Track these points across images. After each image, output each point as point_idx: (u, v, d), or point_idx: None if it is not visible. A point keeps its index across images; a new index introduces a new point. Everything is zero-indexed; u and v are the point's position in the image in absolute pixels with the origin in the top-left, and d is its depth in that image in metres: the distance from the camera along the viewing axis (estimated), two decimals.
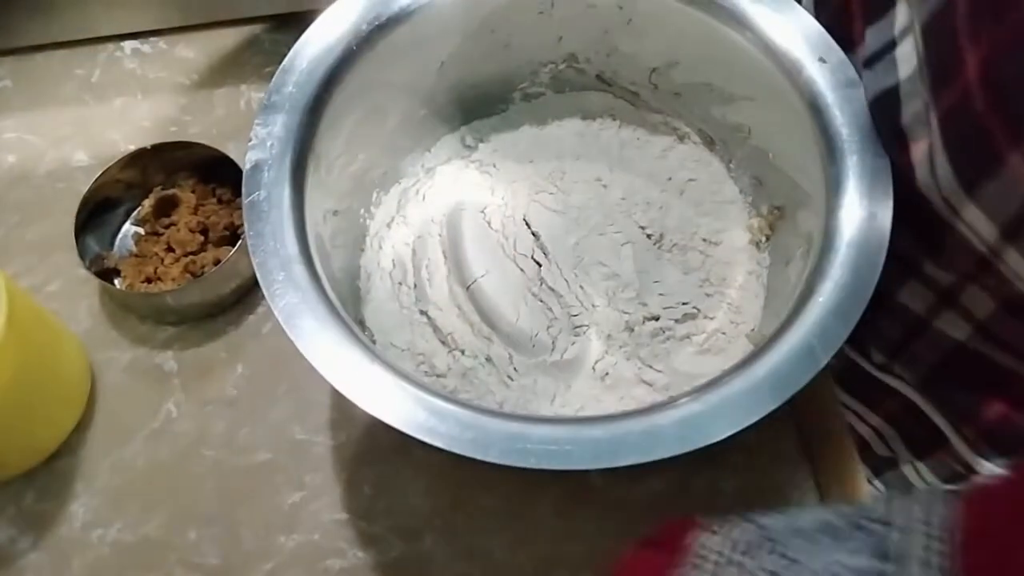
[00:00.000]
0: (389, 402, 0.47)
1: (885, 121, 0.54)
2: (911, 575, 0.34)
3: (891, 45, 0.53)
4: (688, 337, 0.63)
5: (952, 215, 0.49)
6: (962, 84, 0.45)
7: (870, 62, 0.55)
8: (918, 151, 0.51)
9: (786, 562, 0.37)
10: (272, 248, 0.52)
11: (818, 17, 0.59)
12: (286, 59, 0.58)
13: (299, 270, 0.51)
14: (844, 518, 0.38)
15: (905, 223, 0.52)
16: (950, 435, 0.62)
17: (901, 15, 0.52)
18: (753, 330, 0.62)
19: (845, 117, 0.55)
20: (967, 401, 0.60)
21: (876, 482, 0.72)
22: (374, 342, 0.64)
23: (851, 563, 0.36)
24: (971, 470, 0.63)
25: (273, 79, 0.57)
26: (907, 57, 0.51)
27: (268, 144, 0.55)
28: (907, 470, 0.69)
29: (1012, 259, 0.47)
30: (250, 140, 0.55)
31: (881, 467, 0.71)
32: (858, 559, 0.36)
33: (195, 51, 0.84)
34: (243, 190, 0.53)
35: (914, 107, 0.50)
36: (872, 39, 0.56)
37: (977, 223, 0.48)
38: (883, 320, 0.60)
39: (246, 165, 0.54)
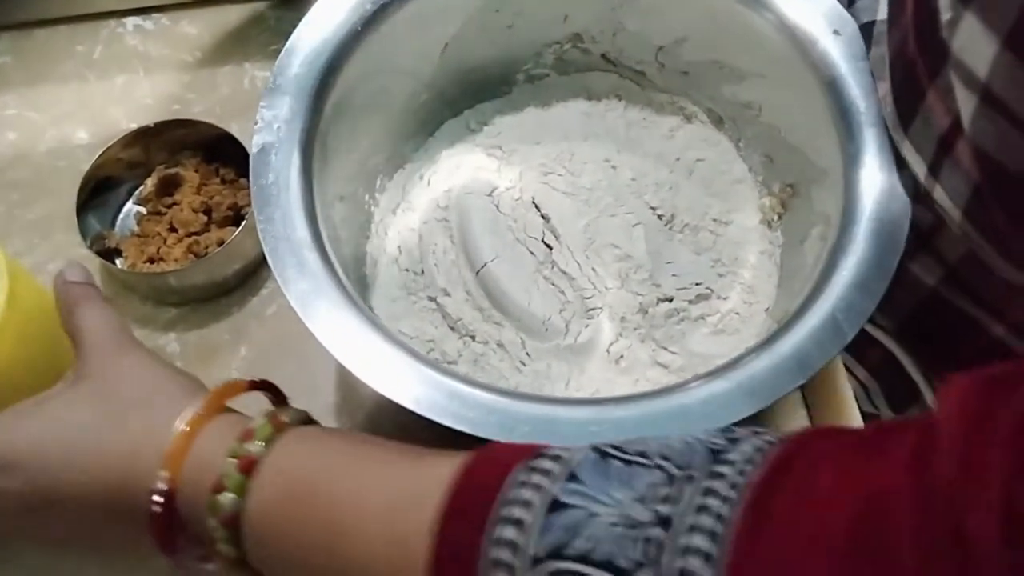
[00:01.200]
0: (409, 386, 0.47)
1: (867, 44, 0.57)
2: (743, 451, 0.35)
3: None
4: (702, 318, 0.62)
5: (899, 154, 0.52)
6: (903, 24, 0.48)
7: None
8: (881, 91, 0.53)
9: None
10: (283, 233, 0.51)
11: None
12: (290, 40, 0.57)
13: (311, 255, 0.51)
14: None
15: None
16: (924, 389, 0.63)
17: None
18: (767, 310, 0.62)
19: (861, 89, 0.54)
20: (938, 352, 0.61)
21: None
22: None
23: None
24: None
25: (277, 60, 0.56)
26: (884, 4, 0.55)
27: (275, 127, 0.54)
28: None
29: (939, 197, 0.49)
30: (256, 123, 0.54)
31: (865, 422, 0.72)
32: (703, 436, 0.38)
33: (198, 28, 0.82)
34: (251, 174, 0.52)
35: (880, 50, 0.53)
36: None
37: (913, 162, 0.50)
38: None
39: (253, 149, 0.53)
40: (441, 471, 0.39)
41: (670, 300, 0.62)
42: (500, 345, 0.61)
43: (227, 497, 0.43)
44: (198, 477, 0.44)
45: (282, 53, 0.56)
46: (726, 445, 0.36)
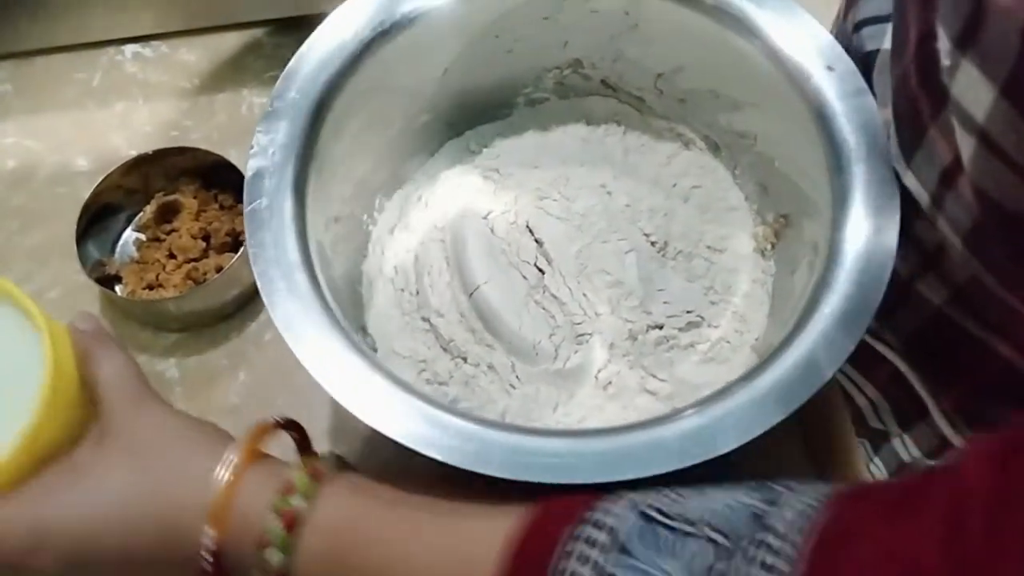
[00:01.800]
0: (388, 413, 0.47)
1: (869, 74, 0.57)
2: (785, 518, 0.37)
3: (885, 18, 0.57)
4: (692, 346, 0.62)
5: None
6: (906, 62, 0.48)
7: (859, 26, 0.59)
8: (883, 115, 0.54)
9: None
10: (273, 257, 0.51)
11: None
12: (289, 65, 0.58)
13: (300, 279, 0.51)
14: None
15: None
16: (931, 407, 0.63)
17: None
18: (757, 339, 0.62)
19: (852, 126, 0.54)
20: (944, 370, 0.61)
21: (873, 465, 0.72)
22: (376, 349, 0.63)
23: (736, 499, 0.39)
24: (947, 443, 0.63)
25: (276, 85, 0.57)
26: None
27: (270, 151, 0.55)
28: (896, 443, 0.69)
29: (942, 225, 0.49)
30: (251, 147, 0.55)
31: (876, 440, 0.72)
32: (744, 497, 0.39)
33: (196, 55, 0.83)
34: (244, 198, 0.53)
35: (883, 77, 0.54)
36: (866, 7, 0.60)
37: (915, 191, 0.50)
38: None
39: (247, 173, 0.54)
40: (489, 536, 0.40)
41: (660, 327, 0.62)
42: (491, 367, 0.61)
43: (274, 554, 0.44)
44: (243, 531, 0.45)
45: (280, 77, 0.57)
46: (767, 509, 0.37)
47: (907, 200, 0.54)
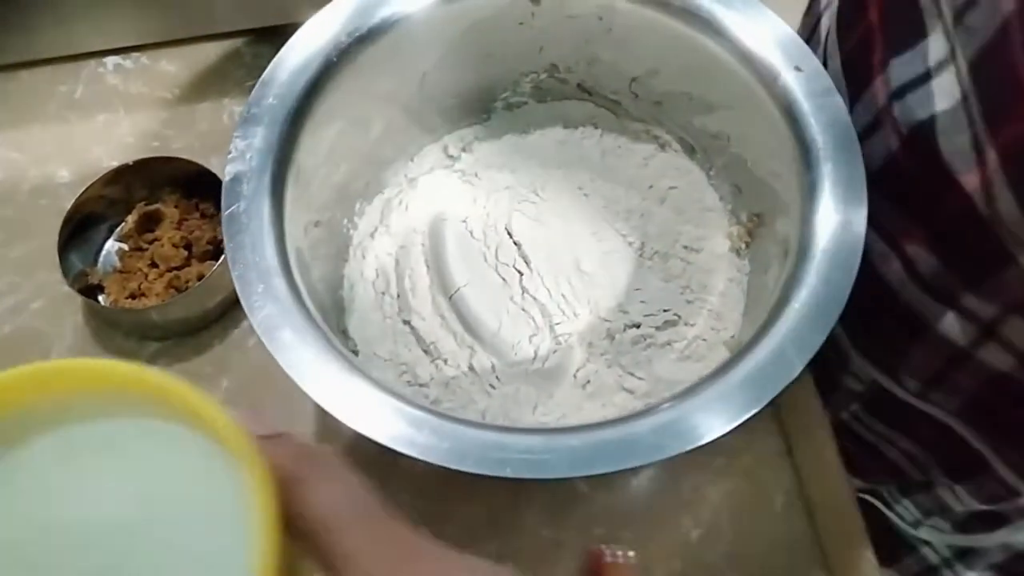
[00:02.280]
0: (366, 413, 0.48)
1: (921, 152, 0.52)
2: None
3: (925, 77, 0.51)
4: (669, 344, 0.63)
5: (1017, 246, 0.48)
6: None
7: (900, 93, 0.53)
8: (969, 183, 0.49)
9: None
10: (251, 260, 0.52)
11: (841, 48, 0.60)
12: (266, 71, 0.58)
13: (278, 282, 0.52)
14: None
15: (941, 257, 0.52)
16: (991, 459, 0.61)
17: (936, 48, 0.50)
18: (733, 337, 0.62)
19: (820, 125, 0.55)
20: (1010, 427, 0.59)
21: (901, 507, 0.72)
22: (357, 352, 0.64)
23: None
24: (1015, 493, 0.62)
25: (253, 91, 0.57)
26: (947, 90, 0.49)
27: (247, 156, 0.55)
28: (943, 492, 0.68)
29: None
30: (229, 152, 0.55)
31: (912, 490, 0.71)
32: None
33: (177, 66, 0.84)
34: (222, 202, 0.53)
35: (960, 140, 0.49)
36: (900, 70, 0.54)
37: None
38: (919, 350, 0.59)
39: (225, 177, 0.54)
40: None
41: (637, 326, 0.63)
42: (471, 369, 0.62)
43: None
44: None
45: (258, 84, 0.58)
46: None
47: (961, 272, 0.53)
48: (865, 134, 0.57)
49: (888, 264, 0.58)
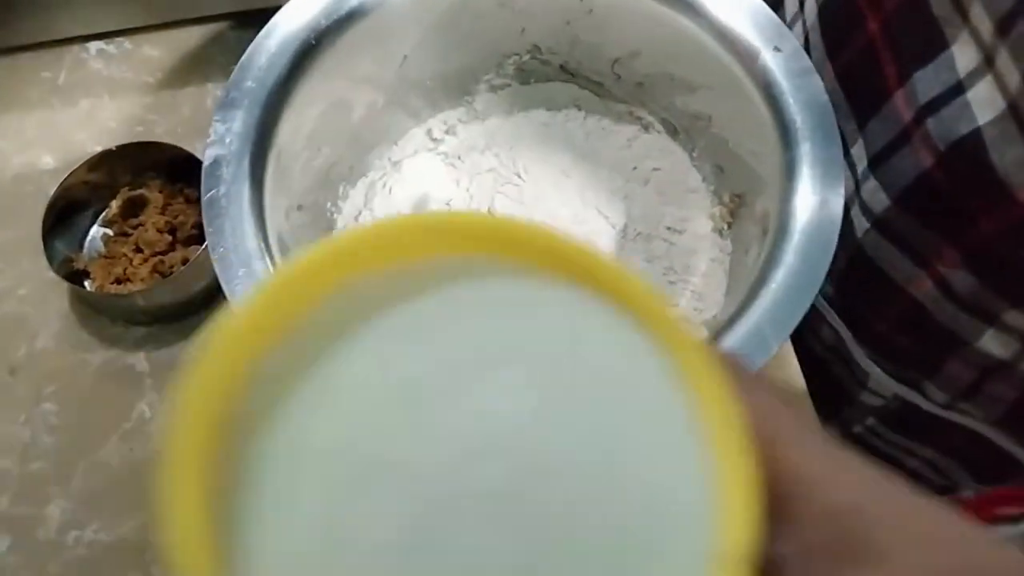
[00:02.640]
0: None
1: (964, 169, 0.49)
2: None
3: (957, 89, 0.48)
4: None
5: None
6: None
7: (932, 107, 0.50)
8: None
9: None
10: (231, 244, 0.52)
11: (833, 60, 0.58)
12: (245, 55, 0.58)
13: (259, 266, 0.52)
14: None
15: (979, 276, 0.51)
16: None
17: (964, 57, 0.48)
18: (714, 317, 0.63)
19: (799, 105, 0.55)
20: None
21: None
22: None
23: None
24: None
25: (232, 75, 0.57)
26: (986, 101, 0.47)
27: (227, 140, 0.55)
28: (969, 495, 0.68)
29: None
30: (208, 136, 0.55)
31: (930, 492, 0.70)
32: None
33: (160, 50, 0.84)
34: (202, 187, 0.54)
35: (1014, 153, 0.46)
36: (926, 84, 0.51)
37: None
38: (953, 365, 0.58)
39: (204, 161, 0.54)
40: None
41: None
42: None
43: None
44: None
45: (236, 68, 0.58)
46: None
47: (1004, 289, 0.52)
48: (886, 152, 0.55)
49: (918, 285, 0.56)
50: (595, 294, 0.23)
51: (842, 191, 0.52)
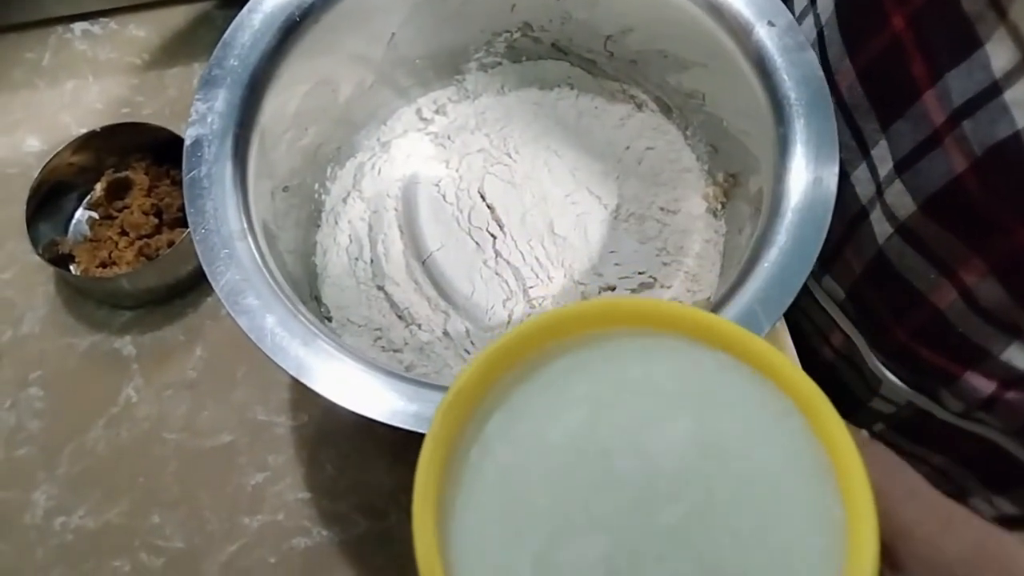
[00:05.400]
0: (335, 379, 0.47)
1: (1002, 176, 0.47)
2: None
3: (993, 90, 0.46)
4: None
5: None
6: None
7: (968, 110, 0.47)
8: None
9: None
10: (214, 226, 0.51)
11: (854, 58, 0.56)
12: (227, 32, 0.57)
13: (242, 247, 0.51)
14: None
15: (1010, 289, 0.49)
16: None
17: (1000, 55, 0.45)
18: (708, 298, 0.62)
19: (793, 81, 0.54)
20: None
21: None
22: (331, 318, 0.63)
23: None
24: None
25: (214, 53, 0.56)
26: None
27: (208, 120, 0.54)
28: (978, 503, 0.66)
29: None
30: (190, 116, 0.54)
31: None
32: None
33: (146, 30, 0.83)
34: (183, 167, 0.52)
35: None
36: (960, 84, 0.48)
37: None
38: (974, 376, 0.55)
39: (186, 142, 0.53)
40: None
41: (612, 289, 0.62)
42: (446, 333, 0.62)
43: None
44: None
45: (218, 45, 0.56)
46: None
47: None
48: (914, 155, 0.52)
49: (941, 295, 0.54)
50: (738, 360, 0.29)
51: (836, 169, 0.51)
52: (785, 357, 0.28)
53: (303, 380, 0.47)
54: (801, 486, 0.26)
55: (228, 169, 0.53)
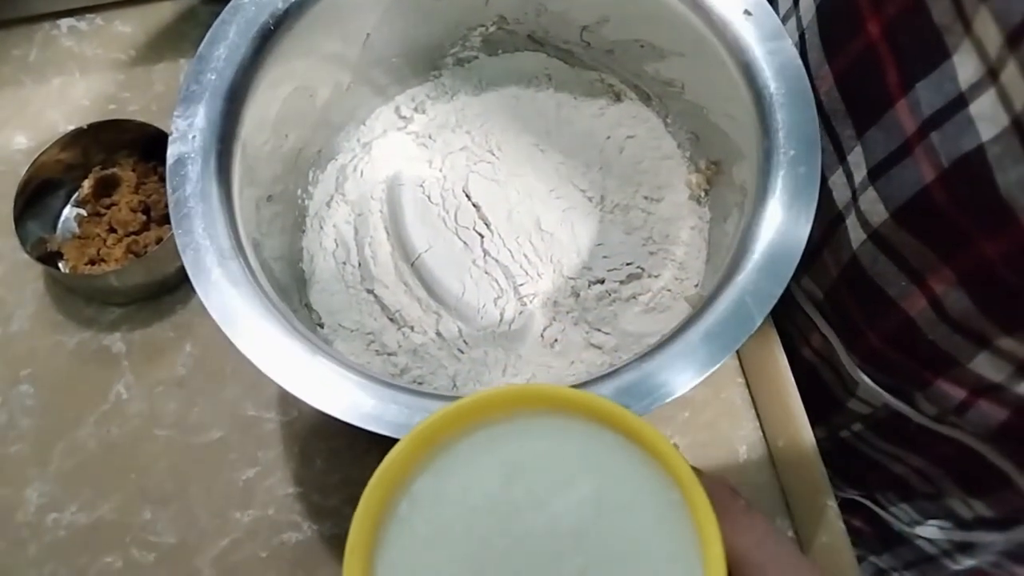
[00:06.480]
0: (328, 390, 0.48)
1: (966, 187, 0.47)
2: None
3: (959, 103, 0.46)
4: (634, 297, 0.63)
5: None
6: None
7: (936, 121, 0.48)
8: None
9: None
10: (203, 245, 0.51)
11: (832, 63, 0.56)
12: (201, 46, 0.56)
13: (232, 265, 0.50)
14: None
15: (975, 299, 0.49)
16: (1016, 477, 0.59)
17: (966, 67, 0.45)
18: (697, 286, 0.62)
19: (772, 70, 0.54)
20: None
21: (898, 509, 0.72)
22: (322, 325, 0.64)
23: None
24: None
25: (189, 67, 0.56)
26: (988, 116, 0.44)
27: (190, 136, 0.53)
28: (953, 503, 0.66)
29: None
30: (171, 133, 0.53)
31: (914, 497, 0.70)
32: None
33: (132, 26, 0.82)
34: (167, 187, 0.52)
35: (1017, 172, 0.43)
36: (928, 95, 0.48)
37: None
38: (945, 383, 0.56)
39: (168, 160, 0.53)
40: None
41: (601, 282, 0.63)
42: (439, 334, 0.62)
43: None
44: None
45: (193, 60, 0.56)
46: None
47: (997, 315, 0.50)
48: (886, 163, 0.52)
49: (911, 302, 0.54)
50: (626, 439, 0.35)
51: (819, 158, 0.52)
52: (669, 444, 0.34)
53: (299, 395, 0.48)
54: (675, 547, 0.33)
55: (213, 186, 0.52)
